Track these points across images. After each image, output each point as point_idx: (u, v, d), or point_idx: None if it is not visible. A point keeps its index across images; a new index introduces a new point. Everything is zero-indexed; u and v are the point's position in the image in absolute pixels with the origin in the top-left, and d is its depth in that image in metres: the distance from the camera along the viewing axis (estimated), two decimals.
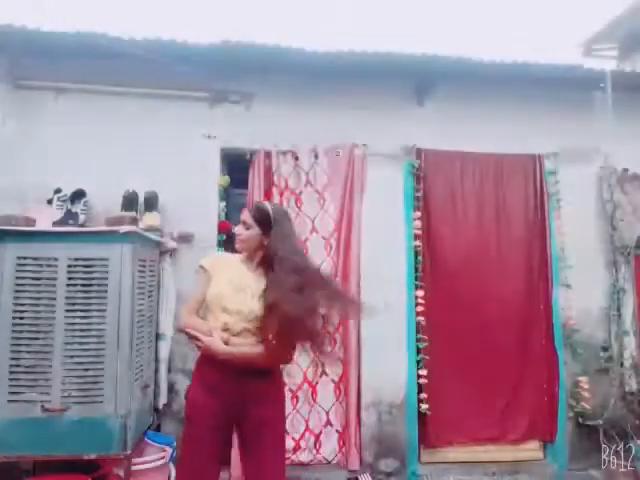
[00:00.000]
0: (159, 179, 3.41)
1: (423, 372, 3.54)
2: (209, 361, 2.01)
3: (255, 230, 2.06)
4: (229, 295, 2.01)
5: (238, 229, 2.10)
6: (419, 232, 3.67)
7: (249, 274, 2.09)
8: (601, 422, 3.63)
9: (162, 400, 3.27)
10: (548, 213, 3.82)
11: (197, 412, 2.01)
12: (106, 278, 2.65)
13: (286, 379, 2.32)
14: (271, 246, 2.03)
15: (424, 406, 3.51)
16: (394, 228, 3.66)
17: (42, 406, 2.54)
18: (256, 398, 2.01)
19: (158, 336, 3.27)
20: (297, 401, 3.49)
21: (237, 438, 2.14)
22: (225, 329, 1.98)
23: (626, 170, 3.97)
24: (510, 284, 3.75)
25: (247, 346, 1.98)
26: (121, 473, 2.60)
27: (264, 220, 2.06)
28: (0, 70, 3.43)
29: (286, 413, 2.21)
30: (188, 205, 3.47)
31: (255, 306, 1.98)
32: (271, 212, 2.08)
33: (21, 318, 2.59)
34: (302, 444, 3.47)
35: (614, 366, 3.77)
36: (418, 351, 3.58)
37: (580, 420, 3.69)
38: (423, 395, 3.53)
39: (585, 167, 3.96)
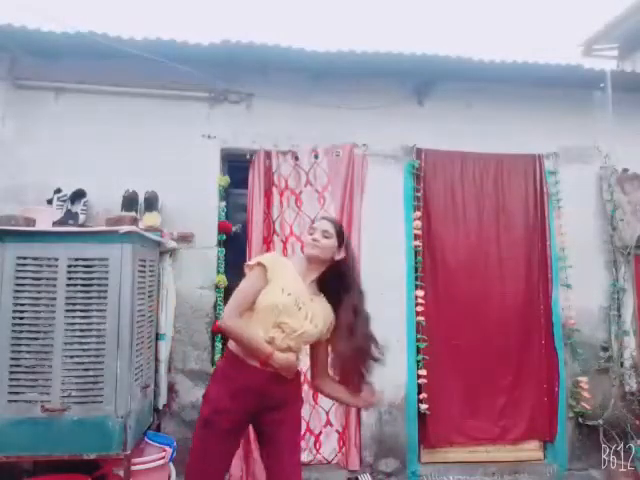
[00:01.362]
0: (159, 179, 3.41)
1: (423, 372, 3.54)
2: (239, 365, 1.96)
3: (333, 241, 2.04)
4: (288, 311, 1.94)
5: (316, 235, 2.02)
6: (419, 232, 3.67)
7: (305, 288, 2.03)
8: (601, 422, 3.63)
9: (162, 400, 3.27)
10: (548, 213, 3.83)
11: (217, 415, 1.94)
12: (106, 278, 2.64)
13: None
14: (343, 266, 2.07)
15: (424, 406, 3.51)
16: (394, 228, 3.66)
17: (42, 406, 2.53)
18: (279, 402, 2.00)
19: (158, 336, 3.27)
20: None
21: (256, 437, 2.15)
22: (269, 342, 1.93)
23: (626, 170, 3.97)
24: (510, 284, 3.75)
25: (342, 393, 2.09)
26: (121, 473, 2.60)
27: (341, 235, 2.08)
28: (0, 70, 3.43)
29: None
30: (188, 205, 3.47)
31: (309, 328, 1.97)
32: (344, 229, 2.14)
33: (21, 318, 2.58)
34: (302, 444, 3.47)
35: (614, 366, 3.78)
36: (418, 351, 3.58)
37: (580, 420, 3.69)
38: (423, 395, 3.53)
39: (585, 167, 3.97)
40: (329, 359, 2.08)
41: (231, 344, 2.03)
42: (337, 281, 2.08)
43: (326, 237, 2.03)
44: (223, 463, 2.03)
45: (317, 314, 2.01)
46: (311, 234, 2.06)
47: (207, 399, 2.02)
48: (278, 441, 2.01)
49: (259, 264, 2.01)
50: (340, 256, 2.06)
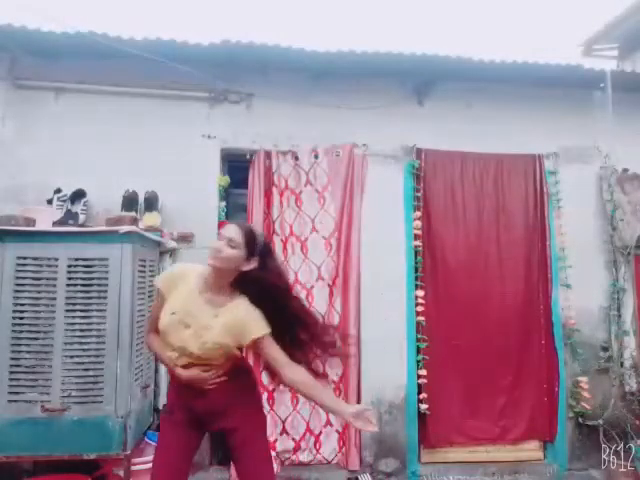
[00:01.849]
0: (159, 179, 3.41)
1: (423, 372, 3.54)
2: (171, 381, 2.04)
3: (239, 252, 1.82)
4: (172, 331, 1.86)
5: (220, 245, 1.81)
6: (419, 232, 3.67)
7: (201, 303, 1.87)
8: (601, 422, 3.63)
9: (162, 400, 3.27)
10: (548, 213, 3.83)
11: (174, 411, 2.02)
12: (106, 278, 2.65)
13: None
14: (258, 276, 1.85)
15: (424, 406, 3.50)
16: (394, 228, 3.66)
17: (42, 406, 2.54)
18: (209, 412, 1.95)
19: None
20: (297, 402, 3.49)
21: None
22: (174, 362, 1.91)
23: (626, 170, 3.97)
24: (510, 284, 3.75)
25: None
26: (121, 473, 2.60)
27: (252, 244, 1.85)
28: (0, 70, 3.43)
29: (262, 419, 2.09)
30: (188, 205, 3.47)
31: (197, 345, 1.84)
32: (260, 240, 1.89)
33: (21, 318, 2.59)
34: (302, 444, 3.47)
35: (614, 366, 3.77)
36: (418, 351, 3.58)
37: (580, 420, 3.69)
38: (423, 395, 3.52)
39: (585, 167, 3.97)
40: (280, 355, 1.88)
41: None
42: (254, 287, 1.88)
43: (231, 247, 1.81)
44: (174, 453, 1.96)
45: (214, 327, 1.84)
46: (217, 241, 1.86)
47: (167, 396, 2.15)
48: (237, 450, 1.96)
49: (157, 286, 1.97)
50: (249, 267, 1.84)
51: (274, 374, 2.00)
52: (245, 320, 1.86)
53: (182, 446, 1.99)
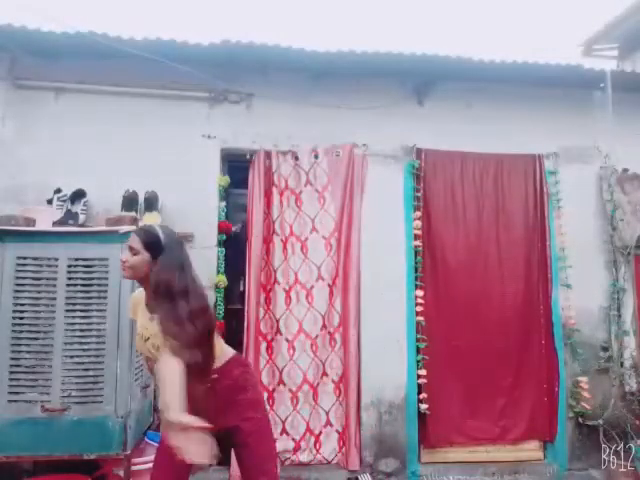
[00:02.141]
0: (159, 179, 3.41)
1: (423, 372, 3.54)
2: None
3: (144, 256, 1.82)
4: (139, 346, 1.97)
5: (124, 256, 1.85)
6: (419, 232, 3.67)
7: (146, 312, 1.90)
8: (601, 422, 3.63)
9: None
10: (548, 213, 3.82)
11: None
12: (106, 278, 2.65)
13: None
14: (159, 275, 1.79)
15: (424, 406, 3.50)
16: (394, 228, 3.66)
17: (42, 406, 2.54)
18: (219, 410, 1.89)
19: None
20: (297, 402, 3.49)
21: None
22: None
23: (626, 170, 3.97)
24: (510, 284, 3.75)
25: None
26: (121, 473, 2.60)
27: (153, 245, 1.83)
28: (0, 70, 3.44)
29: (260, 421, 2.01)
30: (188, 205, 3.47)
31: (153, 349, 1.87)
32: (162, 236, 1.86)
33: (21, 318, 2.59)
34: (302, 444, 3.47)
35: (614, 366, 3.77)
36: (418, 351, 3.58)
37: (580, 420, 3.69)
38: (423, 395, 3.52)
39: (585, 167, 3.97)
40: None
41: None
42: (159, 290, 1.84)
43: (134, 254, 1.83)
44: (171, 467, 1.94)
45: (151, 329, 1.85)
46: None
47: None
48: (240, 449, 1.97)
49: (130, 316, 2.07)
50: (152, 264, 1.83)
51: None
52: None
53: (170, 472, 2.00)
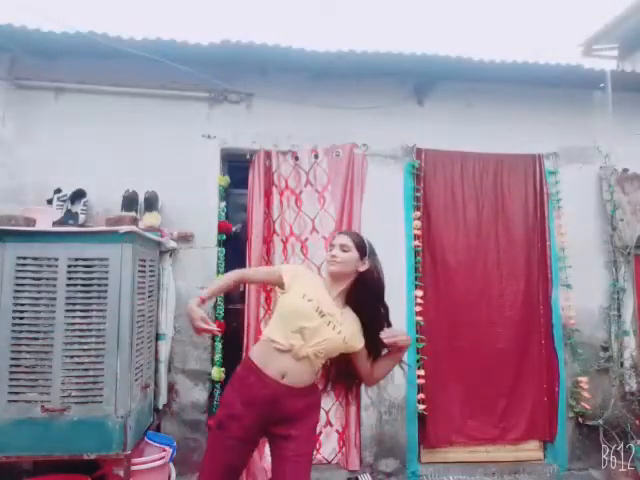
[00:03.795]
0: (159, 179, 3.41)
1: (422, 372, 3.54)
2: (255, 373, 1.96)
3: (353, 254, 2.01)
4: (308, 317, 1.94)
5: (333, 252, 2.02)
6: (419, 232, 3.67)
7: (330, 300, 2.01)
8: (601, 422, 3.63)
9: (162, 400, 3.27)
10: (548, 213, 3.82)
11: (230, 420, 1.95)
12: (106, 278, 2.65)
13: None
14: (369, 277, 2.02)
15: (421, 406, 3.50)
16: (394, 228, 3.66)
17: (42, 406, 2.54)
18: (291, 415, 1.96)
19: (158, 336, 3.28)
20: None
21: (269, 445, 2.10)
22: (288, 349, 1.93)
23: (626, 170, 3.97)
24: (510, 284, 3.75)
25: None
26: (121, 473, 2.60)
27: (362, 246, 2.04)
28: (0, 70, 3.44)
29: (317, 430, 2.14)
30: (188, 205, 3.47)
31: (331, 336, 1.94)
32: (366, 241, 2.08)
33: (21, 318, 2.58)
34: None
35: (614, 366, 3.77)
36: (418, 351, 3.58)
37: (580, 420, 3.69)
38: (423, 395, 3.52)
39: (585, 167, 3.97)
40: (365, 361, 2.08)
41: (252, 352, 2.06)
42: (364, 292, 2.03)
43: (345, 251, 2.01)
44: (232, 472, 2.00)
45: (344, 324, 1.98)
46: (330, 251, 2.05)
47: (222, 403, 2.05)
48: (285, 456, 1.95)
49: (281, 269, 2.11)
50: (364, 267, 2.02)
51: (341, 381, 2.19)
52: (358, 326, 2.03)
53: (233, 469, 2.01)
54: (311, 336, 1.92)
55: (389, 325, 2.06)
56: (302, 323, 1.92)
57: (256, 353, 2.03)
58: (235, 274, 2.14)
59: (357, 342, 2.00)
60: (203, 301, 1.99)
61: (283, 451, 1.96)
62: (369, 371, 2.08)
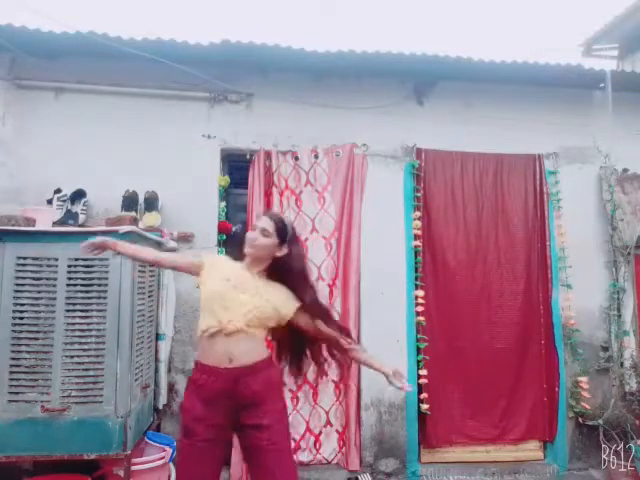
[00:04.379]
0: (159, 179, 3.41)
1: (423, 372, 3.54)
2: (202, 369, 1.99)
3: (273, 240, 2.03)
4: (231, 294, 2.00)
5: (254, 234, 2.04)
6: (419, 232, 3.67)
7: (249, 276, 2.07)
8: (601, 422, 3.63)
9: (162, 400, 3.27)
10: (548, 213, 3.82)
11: (195, 423, 1.96)
12: (106, 278, 2.65)
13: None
14: (287, 261, 2.05)
15: (424, 406, 3.50)
16: (394, 228, 3.66)
17: (42, 406, 2.54)
18: (252, 398, 1.96)
19: (158, 336, 3.27)
20: (297, 401, 3.49)
21: (240, 447, 2.10)
22: (219, 329, 1.96)
23: (626, 170, 3.97)
24: (510, 284, 3.75)
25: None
26: (121, 473, 2.60)
27: (283, 232, 2.06)
28: (0, 69, 3.44)
29: (288, 422, 2.11)
30: (188, 205, 3.47)
31: (260, 303, 1.99)
32: (289, 226, 2.09)
33: (21, 318, 2.59)
34: (302, 444, 3.47)
35: (614, 366, 3.77)
36: (418, 351, 3.58)
37: (580, 420, 3.69)
38: (423, 395, 3.52)
39: (585, 167, 3.97)
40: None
41: (197, 355, 2.12)
42: (282, 273, 2.08)
43: (265, 235, 2.03)
44: (209, 472, 1.97)
45: (270, 292, 2.03)
46: (252, 232, 2.08)
47: (183, 409, 2.04)
48: (262, 447, 1.95)
49: (200, 256, 2.20)
50: (282, 253, 2.05)
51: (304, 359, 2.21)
52: (286, 294, 2.07)
53: (209, 473, 1.98)
54: (237, 309, 1.97)
55: (317, 303, 2.12)
56: (224, 302, 1.98)
57: (199, 353, 2.08)
58: (151, 254, 2.24)
59: (288, 308, 2.05)
60: (115, 247, 2.14)
61: (258, 442, 1.95)
62: (331, 333, 2.10)
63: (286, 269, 2.06)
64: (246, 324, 1.96)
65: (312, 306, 2.08)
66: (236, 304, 1.97)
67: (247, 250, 2.06)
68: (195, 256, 2.25)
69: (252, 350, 1.99)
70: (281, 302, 2.04)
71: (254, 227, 2.09)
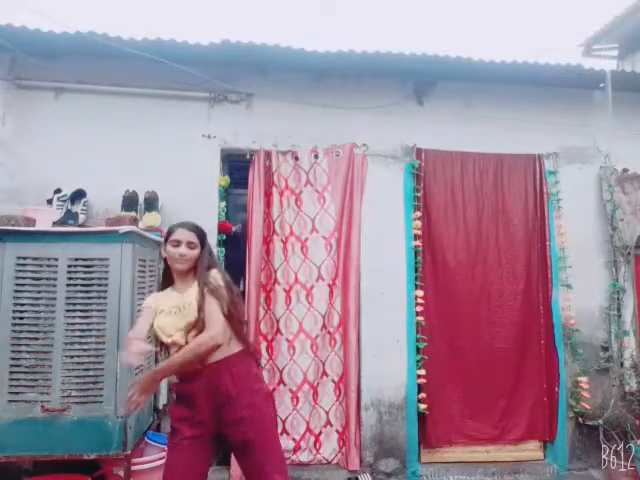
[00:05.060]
0: (159, 179, 3.41)
1: (423, 372, 3.54)
2: (181, 375, 2.07)
3: (198, 249, 2.13)
4: (169, 321, 2.06)
5: (183, 250, 2.08)
6: (419, 232, 3.67)
7: (178, 295, 2.12)
8: (601, 422, 3.63)
9: (162, 400, 3.27)
10: (548, 213, 3.82)
11: (180, 422, 2.04)
12: (106, 278, 2.65)
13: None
14: (205, 260, 2.13)
15: (422, 406, 3.50)
16: (394, 228, 3.66)
17: (42, 406, 2.54)
18: (231, 399, 2.00)
19: None
20: (297, 401, 3.49)
21: (230, 446, 2.12)
22: (175, 345, 2.04)
23: (626, 170, 3.97)
24: (510, 284, 3.75)
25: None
26: (121, 473, 2.60)
27: (204, 238, 2.17)
28: (0, 69, 3.44)
29: (273, 411, 2.14)
30: (188, 205, 3.46)
31: (187, 315, 2.03)
32: (201, 228, 2.19)
33: (21, 318, 2.59)
34: (302, 444, 3.47)
35: (614, 366, 3.77)
36: (418, 351, 3.58)
37: (580, 420, 3.69)
38: (423, 395, 3.52)
39: (585, 167, 3.97)
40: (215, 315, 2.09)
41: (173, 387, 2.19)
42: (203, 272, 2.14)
43: (192, 248, 2.11)
44: (194, 470, 2.02)
45: (188, 298, 2.07)
46: (175, 246, 2.10)
47: (169, 414, 2.16)
48: (248, 442, 2.00)
49: (146, 307, 2.16)
50: (203, 254, 2.15)
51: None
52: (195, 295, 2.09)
53: (194, 468, 2.02)
54: (178, 329, 2.04)
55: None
56: (168, 330, 2.05)
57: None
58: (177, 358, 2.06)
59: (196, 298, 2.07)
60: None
61: (243, 436, 1.99)
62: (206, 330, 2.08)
63: (204, 267, 2.13)
64: (180, 338, 2.04)
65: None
66: (174, 326, 2.05)
67: (179, 267, 2.11)
68: (146, 314, 2.17)
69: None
70: (196, 301, 2.06)
71: (175, 243, 2.10)
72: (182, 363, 1.99)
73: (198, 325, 2.03)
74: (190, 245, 2.10)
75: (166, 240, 2.15)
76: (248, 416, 2.00)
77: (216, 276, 2.10)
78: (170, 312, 2.08)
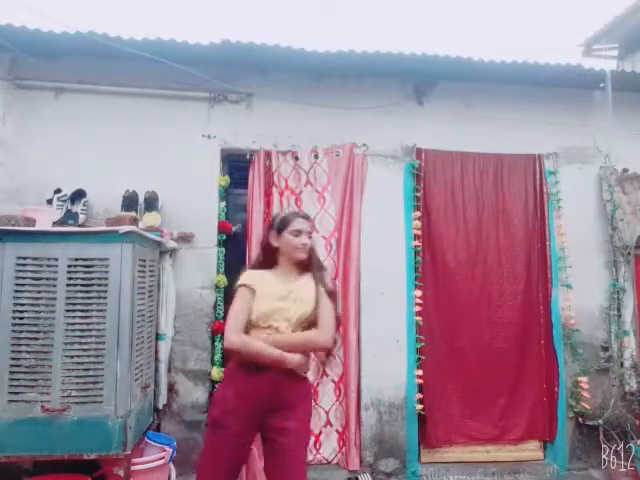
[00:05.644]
0: (159, 179, 3.41)
1: (419, 372, 3.54)
2: (247, 366, 2.01)
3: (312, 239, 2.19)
4: (279, 308, 2.04)
5: (305, 239, 2.12)
6: (419, 232, 3.67)
7: (287, 281, 2.13)
8: (601, 422, 3.63)
9: (162, 400, 3.27)
10: (548, 213, 3.82)
11: (226, 416, 2.00)
12: (106, 278, 2.65)
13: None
14: (318, 254, 2.26)
15: (418, 406, 3.50)
16: (394, 228, 3.66)
17: (42, 406, 2.54)
18: (285, 403, 2.01)
19: (158, 336, 3.27)
20: None
21: (262, 442, 2.13)
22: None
23: (626, 170, 3.97)
24: (510, 284, 3.75)
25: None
26: (121, 473, 2.60)
27: (312, 224, 2.25)
28: (0, 69, 3.44)
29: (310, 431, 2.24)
30: (188, 205, 3.47)
31: (300, 309, 2.06)
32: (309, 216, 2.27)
33: (21, 318, 2.58)
34: None
35: (614, 366, 3.77)
36: (418, 351, 3.58)
37: (580, 420, 3.69)
38: (422, 395, 3.52)
39: (585, 167, 3.97)
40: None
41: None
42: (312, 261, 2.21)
43: (310, 237, 2.17)
44: (234, 465, 2.04)
45: (302, 291, 2.10)
46: (296, 235, 2.12)
47: (215, 401, 2.10)
48: (282, 451, 1.99)
49: (242, 285, 2.11)
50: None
51: None
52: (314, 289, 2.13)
53: (234, 467, 2.04)
54: (287, 319, 2.06)
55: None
56: (276, 316, 2.06)
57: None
58: (245, 339, 2.03)
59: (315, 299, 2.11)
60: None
61: (282, 446, 1.99)
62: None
63: (313, 256, 2.21)
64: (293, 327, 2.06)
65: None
66: (285, 315, 2.06)
67: (301, 256, 2.13)
68: (243, 296, 2.11)
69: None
70: (312, 295, 2.09)
71: (296, 232, 2.12)
72: (291, 345, 2.00)
73: (309, 321, 2.05)
74: (309, 235, 2.15)
75: (280, 229, 2.14)
76: (294, 429, 2.00)
77: (328, 279, 2.17)
78: (281, 298, 2.06)
